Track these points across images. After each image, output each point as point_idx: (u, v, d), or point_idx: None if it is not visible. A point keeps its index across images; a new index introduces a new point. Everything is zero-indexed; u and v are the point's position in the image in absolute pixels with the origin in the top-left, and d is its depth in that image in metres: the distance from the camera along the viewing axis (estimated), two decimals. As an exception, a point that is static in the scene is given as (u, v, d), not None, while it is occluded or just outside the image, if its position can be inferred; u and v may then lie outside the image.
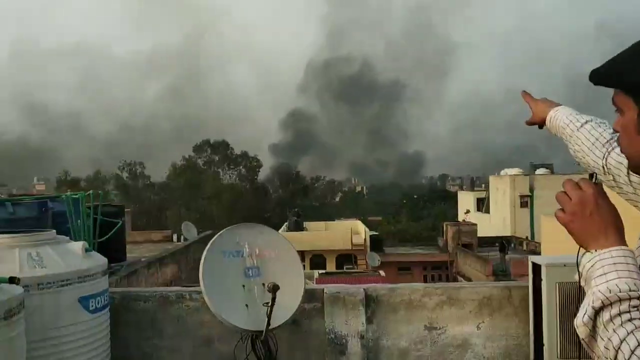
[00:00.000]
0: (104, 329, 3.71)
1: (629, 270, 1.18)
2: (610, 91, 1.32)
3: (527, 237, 34.21)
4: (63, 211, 6.62)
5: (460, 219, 41.10)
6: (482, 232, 34.50)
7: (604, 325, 1.15)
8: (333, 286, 4.32)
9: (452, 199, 59.11)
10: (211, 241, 3.81)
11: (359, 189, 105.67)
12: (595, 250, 1.22)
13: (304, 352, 4.21)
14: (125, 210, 12.22)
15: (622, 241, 1.23)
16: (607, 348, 1.13)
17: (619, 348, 1.11)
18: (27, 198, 7.48)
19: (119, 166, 66.69)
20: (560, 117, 1.95)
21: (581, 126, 1.86)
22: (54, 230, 3.83)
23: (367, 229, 36.58)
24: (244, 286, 3.74)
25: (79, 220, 6.56)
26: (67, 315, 3.40)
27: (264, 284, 3.70)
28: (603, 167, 1.72)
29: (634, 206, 1.59)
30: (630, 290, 1.14)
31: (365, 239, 34.72)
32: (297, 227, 37.24)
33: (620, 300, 1.14)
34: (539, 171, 42.38)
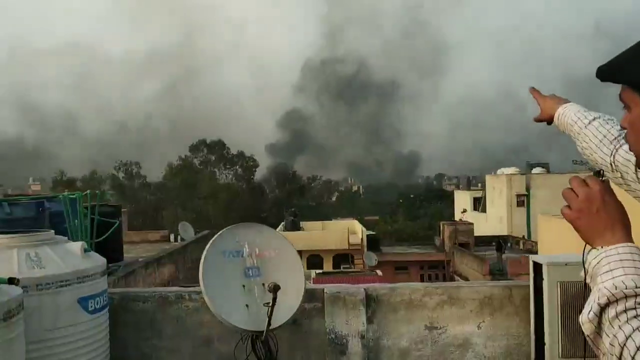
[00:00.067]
0: (104, 329, 3.69)
1: (635, 267, 1.17)
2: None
3: (523, 236, 34.29)
4: (60, 211, 6.58)
5: (456, 218, 41.13)
6: (478, 232, 34.55)
7: (609, 321, 1.14)
8: (333, 286, 4.31)
9: (449, 198, 59.23)
10: (211, 241, 3.79)
11: (355, 188, 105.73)
12: (602, 247, 1.22)
13: (304, 352, 4.19)
14: (122, 210, 12.18)
15: (628, 238, 1.22)
16: (612, 345, 1.12)
17: (625, 345, 1.10)
18: (24, 198, 7.44)
19: (115, 166, 66.58)
20: (568, 114, 1.94)
21: (589, 123, 1.85)
22: (53, 231, 3.79)
23: (364, 229, 36.61)
24: (244, 286, 3.72)
25: (76, 220, 6.53)
26: (66, 316, 3.37)
27: (264, 284, 3.69)
28: (611, 164, 1.71)
29: None
30: (636, 287, 1.14)
31: (362, 239, 34.74)
32: (294, 226, 37.23)
33: (626, 297, 1.13)
34: (535, 170, 42.51)
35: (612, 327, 1.13)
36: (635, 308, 1.12)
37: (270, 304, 3.46)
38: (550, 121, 2.04)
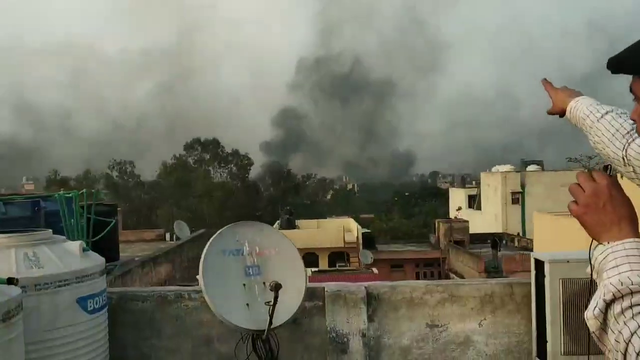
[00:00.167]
0: (103, 329, 3.65)
1: None
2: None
3: (518, 234, 34.36)
4: (56, 210, 6.52)
5: (451, 215, 41.20)
6: (473, 229, 34.62)
7: (614, 317, 1.13)
8: (334, 284, 4.28)
9: (443, 196, 59.34)
10: (211, 240, 3.76)
11: (350, 186, 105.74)
12: (608, 243, 1.20)
13: (305, 351, 4.17)
14: (117, 209, 12.12)
15: (635, 233, 1.21)
16: (617, 341, 1.11)
17: (630, 341, 1.09)
18: (19, 197, 7.38)
19: (109, 165, 66.40)
20: (581, 108, 1.91)
21: (601, 117, 1.83)
22: (50, 230, 3.75)
23: (359, 227, 36.60)
24: (244, 285, 3.69)
25: (72, 220, 6.48)
26: (65, 316, 3.34)
27: (264, 283, 3.66)
28: (623, 158, 1.69)
29: None
30: None
31: (357, 237, 34.73)
32: (289, 225, 37.18)
33: (632, 292, 1.12)
34: (530, 168, 42.59)
35: (618, 323, 1.12)
36: None
37: (272, 303, 3.43)
38: (562, 114, 2.02)
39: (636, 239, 1.19)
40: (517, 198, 38.66)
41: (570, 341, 3.70)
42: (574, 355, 3.69)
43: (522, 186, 38.85)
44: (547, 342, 3.78)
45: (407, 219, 57.11)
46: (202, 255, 3.64)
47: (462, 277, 26.31)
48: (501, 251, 27.28)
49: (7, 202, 6.86)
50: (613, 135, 1.76)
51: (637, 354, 1.07)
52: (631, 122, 1.72)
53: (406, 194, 74.74)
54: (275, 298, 3.41)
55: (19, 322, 2.80)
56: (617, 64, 1.31)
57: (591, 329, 1.17)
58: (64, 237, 3.85)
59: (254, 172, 71.55)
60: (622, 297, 1.12)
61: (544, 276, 3.78)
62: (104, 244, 7.34)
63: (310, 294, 4.07)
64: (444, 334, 4.18)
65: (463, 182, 56.91)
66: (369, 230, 37.47)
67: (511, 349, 4.17)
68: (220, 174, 68.13)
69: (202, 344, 4.17)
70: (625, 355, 1.09)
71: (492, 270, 24.62)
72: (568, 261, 3.69)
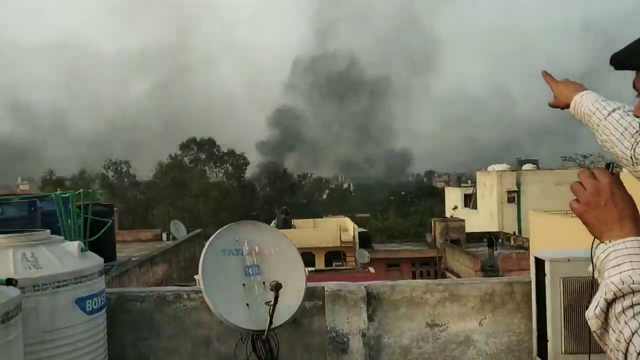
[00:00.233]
0: (101, 330, 3.63)
1: None
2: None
3: (514, 233, 34.44)
4: (52, 211, 6.49)
5: (447, 215, 41.28)
6: (469, 228, 34.69)
7: (615, 317, 1.12)
8: (334, 284, 4.26)
9: (439, 195, 59.44)
10: (210, 239, 3.73)
11: (346, 186, 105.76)
12: (610, 241, 1.19)
13: (305, 351, 4.15)
14: (114, 209, 12.10)
15: (637, 232, 1.20)
16: (618, 340, 1.10)
17: (631, 340, 1.08)
18: (16, 197, 7.35)
19: (104, 165, 66.27)
20: (586, 104, 1.89)
21: (608, 115, 1.81)
22: (49, 230, 3.72)
23: (355, 226, 36.61)
24: (244, 285, 3.67)
25: (69, 220, 6.45)
26: (63, 317, 3.31)
27: (264, 283, 3.64)
28: (631, 157, 1.68)
29: None
30: None
31: (354, 236, 34.75)
32: (286, 224, 37.12)
33: (633, 291, 1.11)
34: (525, 167, 42.70)
35: (619, 322, 1.11)
36: None
37: (272, 303, 3.41)
38: (564, 107, 2.00)
39: (638, 238, 1.18)
40: (513, 197, 38.75)
41: (571, 340, 3.69)
42: (574, 354, 3.68)
43: (518, 185, 38.94)
44: (547, 341, 3.78)
45: (403, 218, 57.19)
46: (202, 255, 3.62)
47: (458, 276, 26.34)
48: (497, 250, 27.36)
49: (4, 203, 6.83)
50: (622, 135, 1.74)
51: (638, 354, 1.06)
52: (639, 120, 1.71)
53: (402, 193, 74.86)
54: (276, 298, 3.39)
55: (18, 323, 2.77)
56: (620, 61, 1.30)
57: (592, 329, 1.16)
58: (62, 238, 3.82)
59: (250, 172, 71.59)
60: (623, 296, 1.11)
61: (544, 275, 3.76)
62: (100, 244, 7.31)
63: (310, 294, 4.05)
64: (444, 333, 4.17)
65: (459, 181, 57.08)
66: (365, 230, 37.51)
67: (511, 348, 4.16)
68: (216, 174, 68.10)
69: (202, 344, 4.15)
70: (626, 354, 1.08)
71: (489, 269, 24.67)
72: (569, 260, 3.68)
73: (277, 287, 3.38)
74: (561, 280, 3.69)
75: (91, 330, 3.49)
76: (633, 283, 1.11)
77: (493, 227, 36.76)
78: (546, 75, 2.07)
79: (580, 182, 1.26)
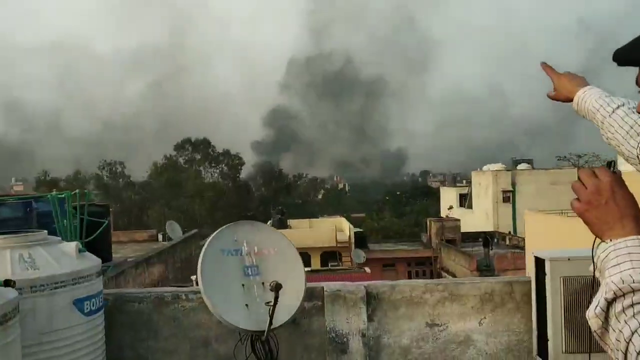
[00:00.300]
0: (100, 331, 3.60)
1: None
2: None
3: (509, 232, 34.51)
4: (48, 211, 6.45)
5: (443, 214, 41.35)
6: (465, 228, 34.76)
7: (615, 316, 1.11)
8: (334, 284, 4.25)
9: (435, 195, 59.52)
10: (209, 240, 3.71)
11: (341, 186, 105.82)
12: (611, 240, 1.18)
13: (304, 351, 4.13)
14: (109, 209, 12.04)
15: (639, 231, 1.19)
16: (618, 340, 1.10)
17: (630, 340, 1.07)
18: (11, 198, 7.30)
19: (99, 166, 66.08)
20: (589, 100, 1.85)
21: (613, 112, 1.78)
22: (46, 231, 3.69)
23: (351, 226, 36.64)
24: (243, 285, 3.65)
25: (65, 220, 6.41)
26: (61, 318, 3.28)
27: (263, 283, 3.62)
28: (637, 156, 1.66)
29: None
30: None
31: (349, 236, 34.76)
32: (281, 224, 37.09)
33: (633, 291, 1.10)
34: (520, 166, 42.83)
35: (619, 321, 1.10)
36: None
37: (272, 303, 3.39)
38: (565, 101, 1.97)
39: (639, 237, 1.17)
40: (508, 196, 38.85)
41: (572, 339, 3.68)
42: (575, 353, 3.68)
43: (513, 185, 39.05)
44: (548, 340, 3.77)
45: (398, 218, 57.27)
46: (200, 255, 3.60)
47: (454, 275, 26.38)
48: (493, 249, 27.41)
49: (-1, 203, 6.79)
50: (627, 133, 1.72)
51: (638, 353, 1.05)
52: None
53: (397, 193, 74.94)
54: (276, 298, 3.37)
55: (15, 325, 2.74)
56: (623, 57, 1.29)
57: (593, 328, 1.16)
58: (59, 239, 3.79)
59: (245, 172, 71.52)
60: (624, 295, 1.10)
61: (544, 274, 3.76)
62: (96, 245, 7.28)
63: (310, 294, 4.03)
64: (444, 333, 4.15)
65: (454, 181, 57.19)
66: (361, 230, 37.52)
67: (511, 348, 4.15)
68: (211, 174, 68.03)
69: (200, 345, 4.13)
70: (626, 354, 1.08)
71: (484, 269, 24.73)
72: (569, 259, 3.68)
73: (277, 288, 3.36)
74: (561, 279, 3.68)
75: (89, 331, 3.46)
76: (633, 282, 1.10)
77: (488, 227, 36.85)
78: (546, 66, 2.04)
79: (581, 181, 1.25)
